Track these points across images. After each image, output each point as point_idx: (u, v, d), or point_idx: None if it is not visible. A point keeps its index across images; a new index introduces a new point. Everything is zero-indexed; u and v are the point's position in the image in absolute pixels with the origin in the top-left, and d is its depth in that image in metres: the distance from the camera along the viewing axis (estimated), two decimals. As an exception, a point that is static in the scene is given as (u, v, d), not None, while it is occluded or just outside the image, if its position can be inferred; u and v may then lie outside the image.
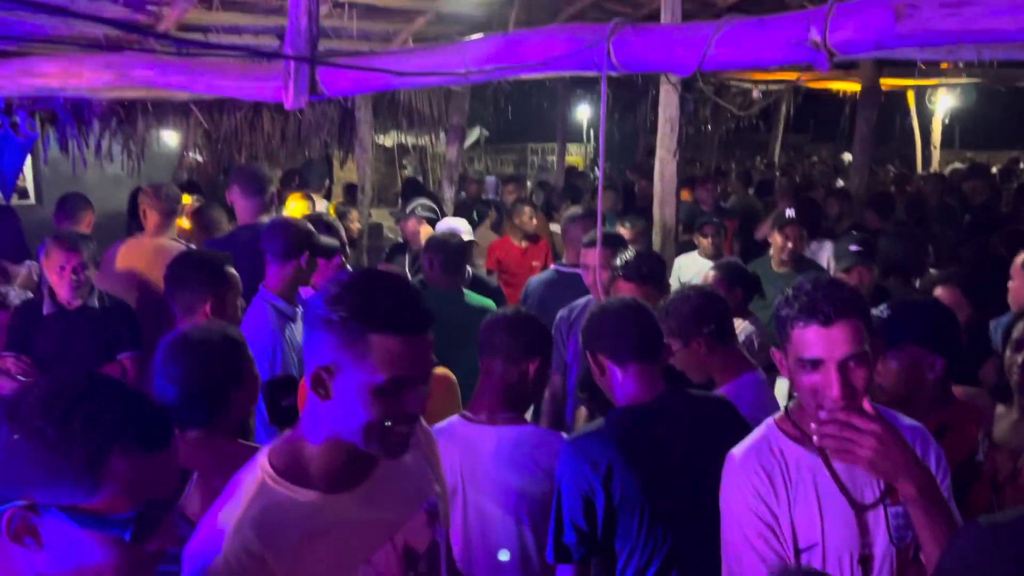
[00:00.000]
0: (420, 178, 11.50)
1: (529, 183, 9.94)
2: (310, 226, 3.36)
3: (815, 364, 1.63)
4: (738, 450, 1.82)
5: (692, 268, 5.40)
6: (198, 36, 5.12)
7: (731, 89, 9.24)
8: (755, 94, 8.30)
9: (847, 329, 1.61)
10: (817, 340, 1.62)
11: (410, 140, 11.04)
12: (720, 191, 8.15)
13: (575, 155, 12.49)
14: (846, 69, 7.57)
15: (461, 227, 4.33)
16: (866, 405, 1.58)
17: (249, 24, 5.20)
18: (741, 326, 3.81)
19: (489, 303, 3.74)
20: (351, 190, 8.65)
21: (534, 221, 6.05)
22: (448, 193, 7.48)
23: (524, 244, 6.07)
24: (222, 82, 3.58)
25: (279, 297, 3.18)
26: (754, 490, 1.73)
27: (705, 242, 5.30)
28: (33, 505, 1.06)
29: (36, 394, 1.09)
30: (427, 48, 3.06)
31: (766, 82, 8.42)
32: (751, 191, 9.04)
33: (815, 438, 1.59)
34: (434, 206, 5.27)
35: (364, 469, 1.47)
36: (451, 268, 3.79)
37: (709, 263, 5.21)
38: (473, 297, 3.81)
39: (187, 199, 5.29)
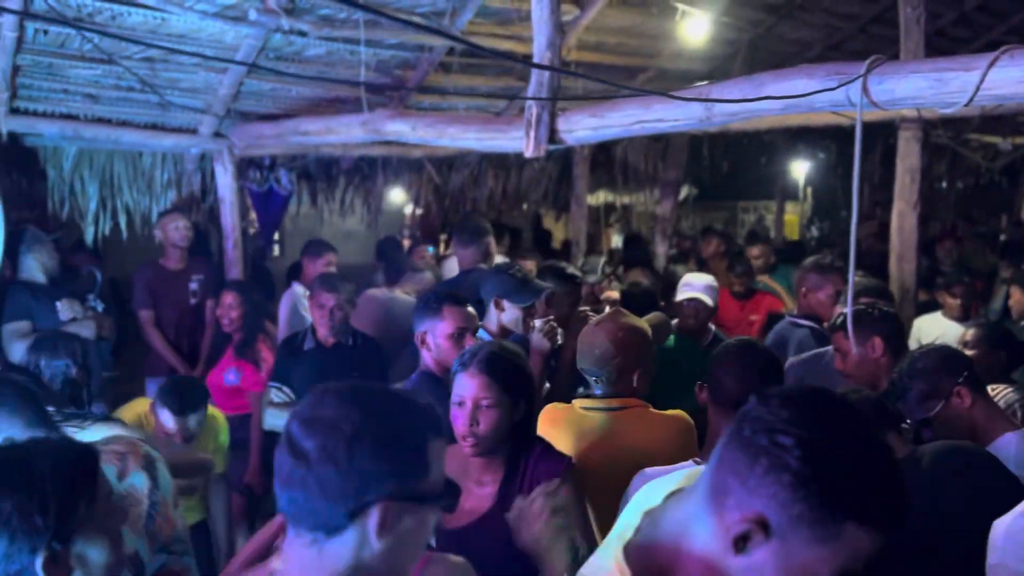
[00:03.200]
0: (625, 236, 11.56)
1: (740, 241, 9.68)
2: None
3: None
4: (1009, 519, 1.59)
5: (935, 330, 4.95)
6: (436, 98, 5.54)
7: (971, 143, 8.54)
8: (1002, 145, 7.58)
9: None
10: None
11: (617, 199, 11.16)
12: (958, 252, 7.51)
13: (790, 213, 12.02)
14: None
15: (700, 282, 4.34)
16: None
17: (482, 85, 5.54)
18: (1002, 393, 3.45)
19: (687, 341, 4.00)
20: (567, 246, 8.90)
21: (732, 279, 5.90)
22: (660, 248, 7.44)
23: (741, 301, 5.91)
24: (466, 134, 3.80)
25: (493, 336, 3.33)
26: None
27: (953, 303, 4.84)
28: (384, 497, 1.16)
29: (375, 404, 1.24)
30: (668, 94, 3.08)
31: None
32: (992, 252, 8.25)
33: None
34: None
35: None
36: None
37: (955, 325, 4.77)
38: (670, 339, 3.96)
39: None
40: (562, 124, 3.41)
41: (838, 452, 1.07)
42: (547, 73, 3.35)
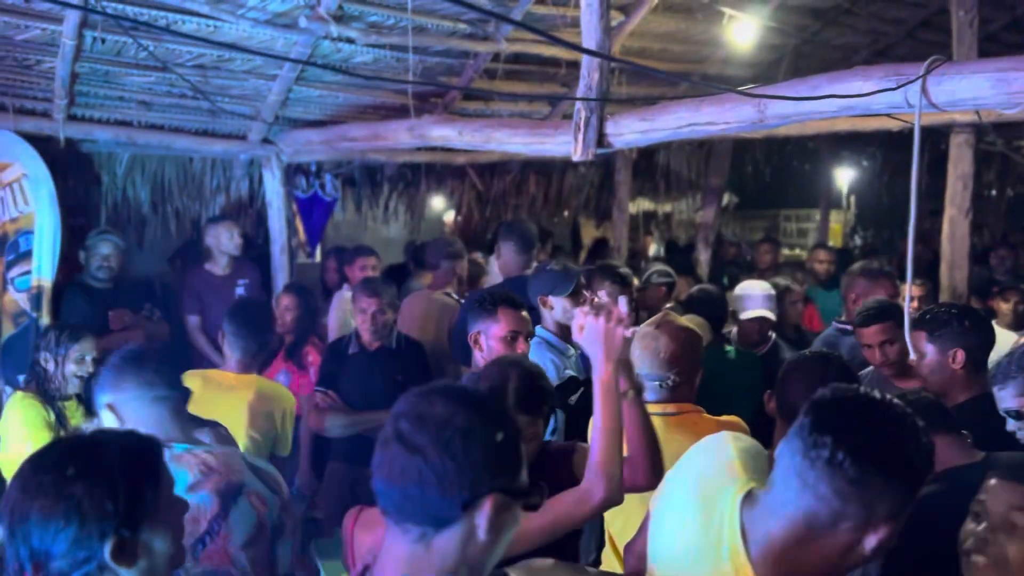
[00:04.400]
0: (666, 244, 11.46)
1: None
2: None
3: None
4: None
5: (988, 338, 4.87)
6: (480, 104, 5.57)
7: (1023, 150, 8.34)
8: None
9: None
10: None
11: (658, 207, 11.06)
12: (1012, 261, 7.34)
13: (833, 222, 11.83)
14: None
15: (760, 293, 4.31)
16: None
17: (525, 91, 5.55)
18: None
19: (747, 355, 4.07)
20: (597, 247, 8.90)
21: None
22: (703, 255, 7.37)
23: None
24: (513, 139, 3.80)
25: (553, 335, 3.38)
26: None
27: (1006, 307, 4.77)
28: (494, 490, 1.24)
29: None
30: (728, 88, 3.06)
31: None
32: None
33: None
34: (670, 270, 5.23)
35: None
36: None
37: (1008, 333, 4.67)
38: (731, 351, 4.02)
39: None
40: (610, 127, 3.40)
41: (906, 439, 1.36)
42: (595, 76, 3.35)
